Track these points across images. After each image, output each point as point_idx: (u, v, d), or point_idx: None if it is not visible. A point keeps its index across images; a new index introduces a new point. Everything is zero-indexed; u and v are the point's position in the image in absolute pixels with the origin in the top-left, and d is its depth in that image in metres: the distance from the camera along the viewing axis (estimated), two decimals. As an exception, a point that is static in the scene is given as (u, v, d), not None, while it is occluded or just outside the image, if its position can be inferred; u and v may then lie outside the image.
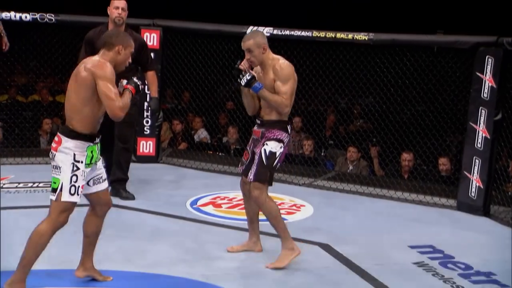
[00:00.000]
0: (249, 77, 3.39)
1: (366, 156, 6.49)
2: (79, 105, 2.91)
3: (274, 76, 3.44)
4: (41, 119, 6.85)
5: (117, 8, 4.67)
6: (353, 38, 5.21)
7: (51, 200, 2.93)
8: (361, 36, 5.17)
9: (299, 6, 11.18)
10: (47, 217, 2.94)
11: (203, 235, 4.05)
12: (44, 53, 6.16)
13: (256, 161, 3.48)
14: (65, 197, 2.90)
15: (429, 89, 6.04)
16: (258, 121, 3.56)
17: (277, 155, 3.47)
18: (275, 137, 3.48)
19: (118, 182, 4.77)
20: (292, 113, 6.88)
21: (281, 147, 3.49)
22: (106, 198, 3.14)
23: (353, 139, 6.25)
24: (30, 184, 5.05)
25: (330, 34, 5.26)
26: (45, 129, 6.77)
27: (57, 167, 2.92)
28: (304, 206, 4.93)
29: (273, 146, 3.47)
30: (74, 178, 2.91)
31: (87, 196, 3.08)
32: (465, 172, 4.91)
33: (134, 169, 4.99)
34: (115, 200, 3.73)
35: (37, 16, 5.50)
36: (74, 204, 2.95)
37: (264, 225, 3.74)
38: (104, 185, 3.10)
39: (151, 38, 5.81)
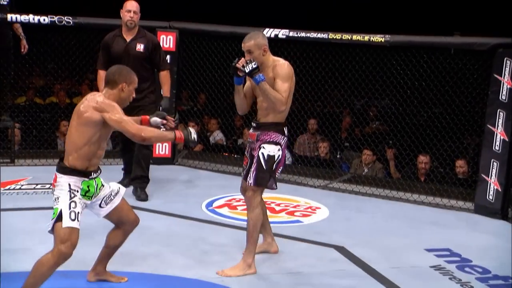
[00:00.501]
0: (255, 65, 3.32)
1: (382, 159, 6.45)
2: (79, 143, 2.91)
3: (273, 75, 3.41)
4: (59, 121, 6.91)
5: (129, 11, 4.76)
6: (369, 40, 5.18)
7: (53, 232, 2.87)
8: (378, 38, 5.15)
9: (315, 7, 11.17)
10: (51, 250, 2.88)
11: (218, 237, 4.06)
12: (61, 55, 6.22)
13: (254, 165, 3.43)
14: (66, 223, 2.84)
15: (446, 91, 5.98)
16: (254, 124, 3.52)
17: (275, 158, 3.43)
18: (271, 139, 3.44)
19: (137, 180, 4.83)
20: (307, 115, 6.92)
21: (279, 150, 3.44)
22: (130, 214, 3.10)
23: (368, 141, 6.22)
24: (47, 186, 5.10)
25: (346, 36, 5.24)
26: (62, 131, 6.82)
27: (55, 199, 2.91)
28: (319, 208, 4.92)
29: (270, 150, 3.42)
30: (72, 205, 2.87)
31: (108, 218, 3.09)
32: (483, 175, 4.86)
33: (150, 170, 5.01)
34: (131, 201, 3.75)
35: (55, 18, 5.55)
36: (76, 232, 2.86)
37: (277, 227, 3.73)
38: (118, 199, 3.07)
39: (167, 41, 5.84)
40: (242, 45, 3.43)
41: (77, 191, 2.91)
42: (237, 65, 3.37)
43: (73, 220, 2.85)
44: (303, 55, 5.96)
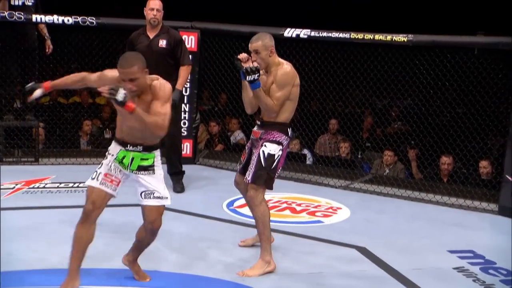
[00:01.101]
0: (257, 77, 3.33)
1: (404, 159, 6.40)
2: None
3: (272, 79, 3.45)
4: (82, 121, 7.00)
5: (152, 9, 4.85)
6: (391, 39, 5.15)
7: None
8: (400, 38, 5.11)
9: (336, 7, 11.13)
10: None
11: (239, 237, 4.06)
12: (85, 55, 6.29)
13: (254, 162, 3.46)
14: (87, 181, 3.03)
15: (470, 91, 5.91)
16: (258, 122, 3.55)
17: (275, 157, 3.45)
18: (274, 139, 3.46)
19: (172, 176, 5.01)
20: (329, 115, 6.89)
21: (280, 150, 3.47)
22: (151, 216, 3.11)
23: (390, 142, 6.17)
24: (71, 184, 5.16)
25: (369, 36, 5.22)
26: (85, 130, 6.90)
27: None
28: (340, 208, 4.90)
29: (271, 149, 3.45)
30: (99, 165, 3.06)
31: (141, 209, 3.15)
32: (507, 176, 4.79)
33: (172, 170, 5.05)
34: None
35: (79, 19, 5.62)
36: (92, 190, 3.00)
37: (298, 227, 3.71)
38: (152, 202, 3.08)
39: (189, 41, 5.87)
40: (250, 45, 3.45)
41: (112, 155, 3.05)
42: (243, 64, 3.36)
43: (93, 179, 3.02)
44: (325, 55, 5.94)
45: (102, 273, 3.32)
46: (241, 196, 4.73)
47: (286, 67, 3.46)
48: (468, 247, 4.04)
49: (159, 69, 4.76)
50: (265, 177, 3.45)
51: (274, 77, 3.45)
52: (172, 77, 4.81)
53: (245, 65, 3.35)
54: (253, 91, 3.41)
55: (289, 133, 3.53)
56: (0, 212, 3.65)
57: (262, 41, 3.42)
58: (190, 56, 5.12)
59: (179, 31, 5.75)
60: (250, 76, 3.32)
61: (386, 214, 4.83)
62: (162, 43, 4.87)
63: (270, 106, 3.42)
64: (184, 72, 4.91)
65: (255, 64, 3.38)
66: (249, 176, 3.46)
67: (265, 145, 3.46)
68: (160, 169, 3.10)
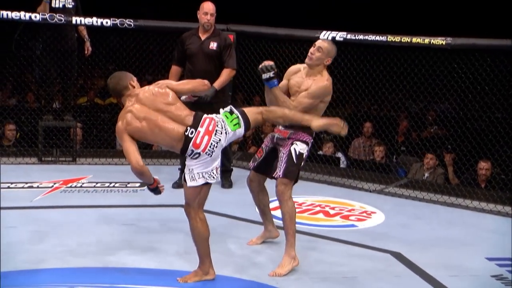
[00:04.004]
0: (272, 75, 3.39)
1: (441, 164, 6.30)
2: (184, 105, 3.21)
3: (309, 86, 3.50)
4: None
5: (206, 14, 4.97)
6: (429, 42, 5.07)
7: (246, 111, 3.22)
8: (438, 41, 5.03)
9: (373, 10, 11.03)
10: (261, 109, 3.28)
11: (271, 239, 4.05)
12: (122, 57, 6.39)
13: (285, 158, 3.54)
14: None
15: (510, 95, 5.77)
16: (286, 123, 3.55)
17: (304, 156, 3.57)
18: (303, 139, 3.57)
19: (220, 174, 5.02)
20: (363, 118, 6.82)
21: (307, 150, 3.59)
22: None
23: (427, 146, 6.08)
24: (107, 184, 5.24)
25: (406, 39, 5.15)
26: (121, 131, 6.98)
27: (224, 121, 3.16)
28: (375, 213, 4.85)
29: (302, 147, 3.55)
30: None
31: None
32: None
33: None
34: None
35: (117, 21, 5.71)
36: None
37: (331, 231, 3.69)
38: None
39: (226, 43, 5.89)
40: (319, 40, 3.56)
41: None
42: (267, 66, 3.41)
43: None
44: (360, 58, 5.89)
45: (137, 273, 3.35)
46: (275, 198, 4.72)
47: (326, 82, 3.53)
48: (507, 255, 3.93)
49: (208, 70, 4.87)
50: (296, 172, 3.56)
51: (310, 84, 3.50)
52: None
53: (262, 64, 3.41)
54: (270, 90, 3.45)
55: (313, 134, 3.61)
56: (0, 212, 3.72)
57: (330, 46, 3.54)
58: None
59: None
60: (266, 74, 3.38)
61: (422, 220, 4.76)
62: (213, 45, 4.98)
63: (287, 105, 3.45)
64: (226, 74, 4.98)
65: (271, 62, 3.42)
66: (280, 171, 3.54)
67: (296, 143, 3.55)
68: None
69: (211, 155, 3.08)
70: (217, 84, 4.91)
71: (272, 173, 3.67)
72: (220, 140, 3.09)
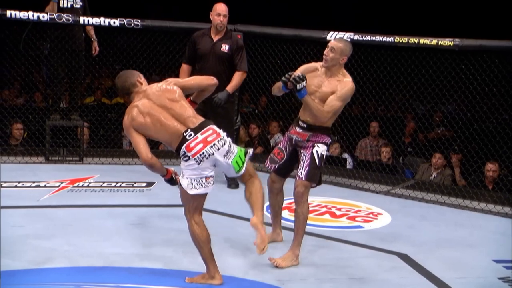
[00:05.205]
0: (305, 83, 3.45)
1: (448, 165, 6.28)
2: (190, 106, 3.21)
3: (334, 89, 3.53)
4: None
5: (219, 15, 5.01)
6: (437, 43, 5.06)
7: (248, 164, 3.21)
8: (446, 42, 5.02)
9: (381, 11, 11.01)
10: (255, 178, 3.28)
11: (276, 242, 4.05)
12: (129, 57, 6.41)
13: (307, 161, 3.59)
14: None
15: (517, 96, 5.75)
16: (304, 125, 3.62)
17: (324, 157, 3.65)
18: (323, 141, 3.63)
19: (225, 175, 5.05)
20: (370, 119, 6.80)
21: (327, 151, 3.69)
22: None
23: (434, 147, 6.06)
24: (113, 184, 5.25)
25: (413, 40, 5.14)
26: (128, 131, 7.01)
27: (230, 143, 3.15)
28: (381, 214, 4.83)
29: (323, 149, 3.62)
30: None
31: None
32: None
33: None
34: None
35: (125, 21, 5.72)
36: None
37: (337, 232, 3.68)
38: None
39: (232, 43, 5.90)
40: (332, 41, 3.56)
41: None
42: (288, 77, 3.47)
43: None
44: (368, 59, 5.88)
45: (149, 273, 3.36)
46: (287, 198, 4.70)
47: (349, 81, 3.56)
48: (514, 257, 3.93)
49: (218, 71, 4.91)
50: (318, 175, 3.63)
51: (335, 88, 3.53)
52: (230, 81, 5.01)
53: (293, 74, 3.44)
54: (302, 99, 3.51)
55: (331, 135, 3.71)
56: (0, 211, 3.73)
57: (343, 45, 3.54)
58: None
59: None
60: (300, 84, 3.42)
61: (429, 221, 4.74)
62: (225, 47, 5.02)
63: (321, 112, 3.52)
64: (238, 77, 5.04)
65: (300, 73, 3.47)
66: (302, 174, 3.59)
67: (317, 146, 3.61)
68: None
69: (199, 164, 3.06)
70: (230, 87, 4.98)
71: (290, 173, 3.77)
72: (213, 154, 3.05)
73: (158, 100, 3.11)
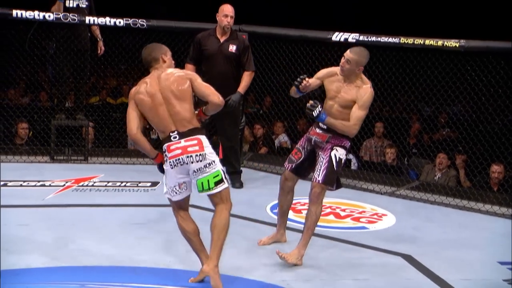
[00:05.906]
0: (320, 109, 3.49)
1: (453, 167, 6.26)
2: (191, 108, 3.17)
3: (354, 98, 3.55)
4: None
5: (226, 16, 5.04)
6: (443, 44, 5.05)
7: (222, 190, 3.17)
8: (452, 43, 5.00)
9: (386, 12, 11.00)
10: (225, 206, 3.21)
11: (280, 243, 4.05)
12: (135, 57, 6.42)
13: (325, 164, 3.58)
14: (227, 183, 3.19)
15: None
16: (324, 126, 3.62)
17: (343, 161, 3.63)
18: (343, 144, 3.61)
19: (230, 176, 5.07)
20: (375, 119, 6.79)
21: (346, 155, 3.66)
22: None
23: (439, 148, 6.04)
24: (118, 183, 5.26)
25: (419, 41, 5.12)
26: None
27: (211, 163, 3.11)
28: (386, 215, 4.83)
29: (341, 153, 3.61)
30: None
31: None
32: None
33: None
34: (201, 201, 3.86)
35: (130, 21, 5.74)
36: None
37: (342, 232, 3.67)
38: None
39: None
40: (347, 52, 3.56)
41: None
42: (300, 81, 3.56)
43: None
44: (373, 60, 5.86)
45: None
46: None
47: (368, 87, 3.57)
48: (519, 259, 3.92)
49: (226, 72, 4.94)
50: (335, 178, 3.62)
51: (357, 96, 3.54)
52: (237, 81, 5.07)
53: (308, 104, 3.48)
54: (324, 122, 3.53)
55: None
56: (0, 211, 3.74)
57: (359, 57, 3.54)
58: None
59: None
60: (314, 112, 3.45)
61: (433, 223, 4.73)
62: (232, 48, 5.07)
63: (348, 128, 3.55)
64: (248, 77, 5.11)
65: (311, 101, 3.49)
66: (319, 176, 3.58)
67: (336, 149, 3.60)
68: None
69: (173, 168, 3.11)
70: (242, 88, 5.07)
71: (307, 175, 3.77)
72: (187, 164, 3.08)
73: (164, 90, 3.13)
